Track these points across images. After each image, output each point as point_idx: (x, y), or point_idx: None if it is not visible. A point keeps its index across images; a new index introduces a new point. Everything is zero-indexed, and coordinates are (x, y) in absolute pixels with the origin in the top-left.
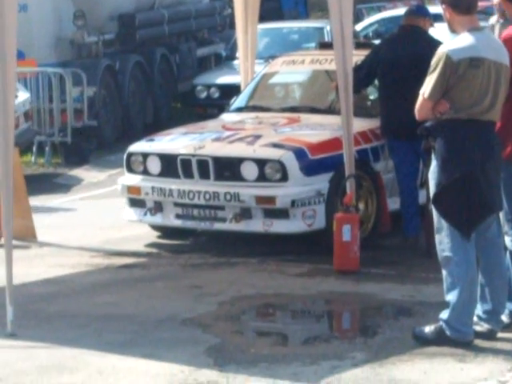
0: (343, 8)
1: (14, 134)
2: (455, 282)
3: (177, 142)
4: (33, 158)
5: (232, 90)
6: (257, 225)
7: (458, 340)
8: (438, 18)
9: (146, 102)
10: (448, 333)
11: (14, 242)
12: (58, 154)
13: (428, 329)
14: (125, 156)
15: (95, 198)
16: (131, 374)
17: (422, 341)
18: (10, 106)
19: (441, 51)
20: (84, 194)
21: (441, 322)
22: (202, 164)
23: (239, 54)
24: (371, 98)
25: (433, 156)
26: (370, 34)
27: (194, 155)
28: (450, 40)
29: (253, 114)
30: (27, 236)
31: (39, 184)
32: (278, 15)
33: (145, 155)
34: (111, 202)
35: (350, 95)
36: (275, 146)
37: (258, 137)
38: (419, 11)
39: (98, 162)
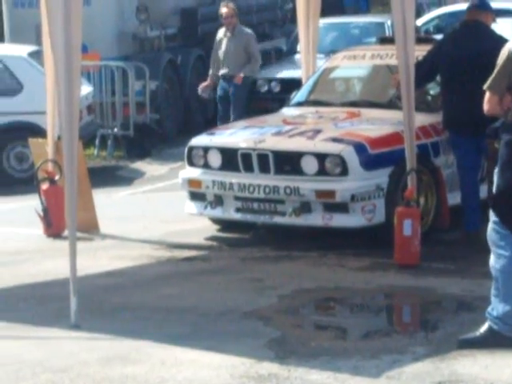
0: (405, 2)
1: (78, 127)
2: (497, 276)
3: (237, 135)
4: (95, 151)
5: (293, 84)
6: (316, 219)
7: (506, 334)
8: (500, 12)
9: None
10: (496, 327)
11: (77, 234)
12: (121, 147)
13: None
14: (186, 149)
15: (157, 191)
16: (193, 366)
17: (469, 343)
18: (75, 100)
19: (506, 47)
20: (146, 187)
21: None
22: (263, 158)
23: (300, 48)
24: (431, 92)
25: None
26: (431, 29)
27: (254, 149)
28: None
29: (313, 109)
30: (90, 228)
31: (101, 177)
32: (339, 10)
33: (206, 149)
34: (172, 195)
35: (412, 90)
36: (335, 140)
37: (318, 131)
38: (482, 6)
39: (160, 156)
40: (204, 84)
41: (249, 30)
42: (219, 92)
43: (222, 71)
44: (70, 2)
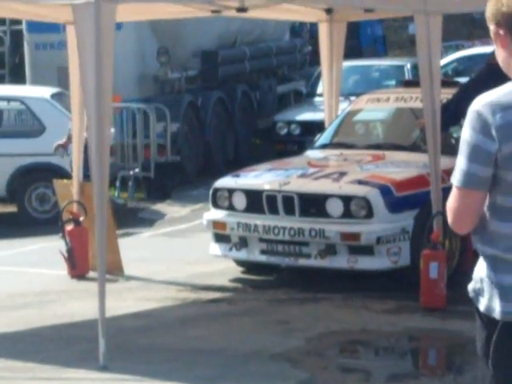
0: (432, 45)
1: (108, 170)
2: None
3: (262, 177)
4: (116, 193)
5: (313, 127)
6: (342, 261)
7: None
8: None
9: (226, 137)
10: None
11: None
12: (141, 189)
13: None
14: (210, 191)
15: (178, 233)
16: None
17: None
18: (105, 142)
19: None
20: (167, 229)
21: None
22: (288, 200)
23: (324, 90)
24: (456, 135)
25: None
26: (449, 72)
27: (279, 191)
28: None
29: (337, 151)
30: (115, 270)
31: (123, 218)
32: (357, 53)
33: (230, 191)
34: (194, 237)
35: (438, 133)
36: (360, 182)
37: (343, 174)
38: None
39: (181, 197)
40: (59, 142)
41: None
42: None
43: None
44: (102, 45)
